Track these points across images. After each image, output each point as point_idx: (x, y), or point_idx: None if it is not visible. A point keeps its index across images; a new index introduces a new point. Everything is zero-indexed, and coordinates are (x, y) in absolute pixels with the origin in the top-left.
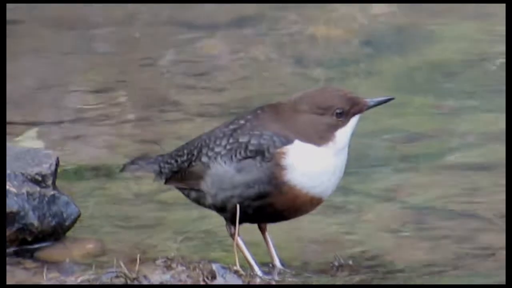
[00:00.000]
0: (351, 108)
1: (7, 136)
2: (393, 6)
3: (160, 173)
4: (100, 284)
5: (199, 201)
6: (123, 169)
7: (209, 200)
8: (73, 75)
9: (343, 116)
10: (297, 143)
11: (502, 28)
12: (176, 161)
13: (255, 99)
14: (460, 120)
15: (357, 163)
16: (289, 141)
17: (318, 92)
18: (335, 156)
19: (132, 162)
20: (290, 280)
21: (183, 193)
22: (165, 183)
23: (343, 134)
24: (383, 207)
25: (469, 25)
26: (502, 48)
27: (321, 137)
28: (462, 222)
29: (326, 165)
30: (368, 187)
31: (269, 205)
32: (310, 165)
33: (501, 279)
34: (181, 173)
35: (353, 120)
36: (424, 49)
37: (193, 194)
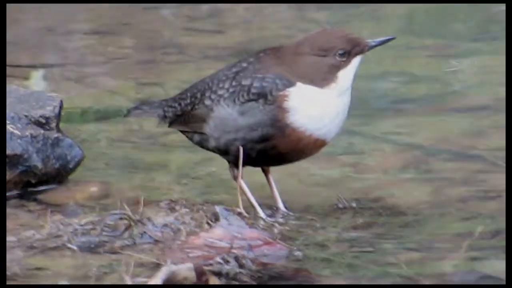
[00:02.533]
0: (352, 48)
1: (11, 78)
2: None
3: (164, 117)
4: (107, 284)
5: (202, 144)
6: (127, 114)
7: (212, 143)
8: (78, 18)
9: (345, 56)
10: (299, 85)
11: None
12: (180, 104)
13: (258, 42)
14: (464, 62)
15: (360, 105)
16: (291, 84)
17: (320, 34)
18: (338, 98)
19: (136, 107)
20: (293, 223)
21: (187, 136)
22: (169, 126)
23: (346, 75)
24: (386, 150)
25: None
26: None
27: (323, 78)
28: (465, 164)
29: (329, 107)
30: (371, 130)
31: (272, 147)
32: (313, 107)
33: (503, 220)
34: (185, 116)
35: (355, 61)
36: None
37: (197, 137)
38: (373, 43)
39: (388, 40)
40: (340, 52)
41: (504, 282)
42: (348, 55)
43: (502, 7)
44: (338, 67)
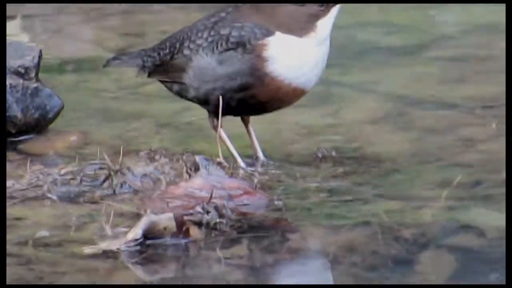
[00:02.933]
0: None
1: None
2: None
3: (143, 67)
4: (108, 284)
5: (181, 94)
6: (106, 64)
7: (191, 93)
8: None
9: (324, 5)
10: (278, 34)
11: None
12: (159, 54)
13: None
14: (442, 11)
15: (339, 54)
16: (270, 33)
17: None
18: (317, 47)
19: (115, 57)
20: (273, 172)
21: (166, 86)
22: (148, 76)
23: (325, 24)
24: (366, 99)
25: None
26: None
27: (302, 27)
28: (445, 114)
29: (308, 56)
30: (350, 79)
31: (252, 96)
32: (292, 56)
33: (483, 169)
34: (164, 66)
35: (334, 10)
36: None
37: (176, 87)
38: None
39: None
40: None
41: (483, 232)
42: (326, 4)
43: None
44: (317, 16)
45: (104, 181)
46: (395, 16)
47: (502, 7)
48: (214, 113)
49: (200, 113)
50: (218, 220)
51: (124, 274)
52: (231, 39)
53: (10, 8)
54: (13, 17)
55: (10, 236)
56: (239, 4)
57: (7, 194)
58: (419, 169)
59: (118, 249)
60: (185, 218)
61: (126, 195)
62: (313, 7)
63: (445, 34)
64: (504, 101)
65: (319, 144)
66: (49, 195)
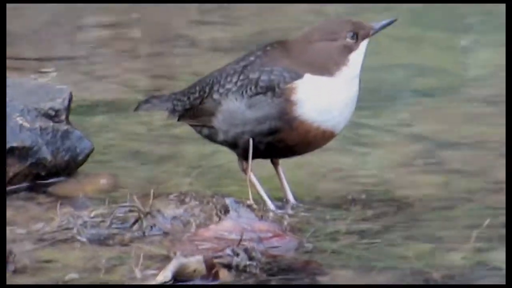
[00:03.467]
0: (359, 31)
1: (22, 72)
2: None
3: (173, 110)
4: (105, 284)
5: (211, 137)
6: (137, 108)
7: (221, 137)
8: (86, 10)
9: (355, 38)
10: (307, 77)
11: None
12: (189, 98)
13: (269, 34)
14: (474, 55)
15: (370, 97)
16: (299, 76)
17: (326, 22)
18: (347, 87)
19: (146, 101)
20: (303, 215)
21: (196, 130)
22: (178, 120)
23: (356, 58)
24: (396, 141)
25: None
26: None
27: (335, 63)
28: (474, 156)
29: (338, 97)
30: (381, 121)
31: (281, 140)
32: (321, 99)
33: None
34: (193, 110)
35: (363, 44)
36: None
37: (206, 130)
38: (377, 26)
39: (391, 22)
40: (350, 34)
41: None
42: (357, 37)
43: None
44: (349, 49)
45: (134, 223)
46: (425, 57)
47: None
48: (243, 156)
49: (230, 156)
50: (247, 262)
51: None
52: (261, 83)
53: (42, 51)
54: (44, 61)
55: (41, 279)
56: (268, 48)
57: (37, 237)
58: (448, 211)
59: None
60: (215, 260)
61: (156, 237)
62: (346, 40)
63: (475, 75)
64: None
65: (349, 187)
66: (79, 238)
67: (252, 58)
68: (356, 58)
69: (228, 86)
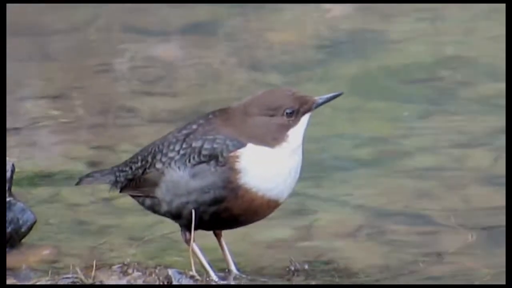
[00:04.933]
0: (300, 107)
1: None
2: (348, 7)
3: (115, 182)
4: (102, 284)
5: (154, 208)
6: (78, 182)
7: (164, 207)
8: (28, 81)
9: (294, 115)
10: (250, 146)
11: (455, 31)
12: (131, 168)
13: (211, 105)
14: (415, 124)
15: (312, 167)
16: (242, 144)
17: (266, 93)
18: (290, 157)
19: (88, 175)
20: (246, 285)
21: (138, 201)
22: (120, 191)
23: (295, 134)
24: (338, 212)
25: (424, 27)
26: (456, 52)
27: (273, 138)
28: (417, 226)
29: (281, 166)
30: (323, 192)
31: (225, 210)
32: (265, 167)
33: (455, 283)
34: (136, 180)
35: (304, 119)
36: (379, 53)
37: (148, 201)
38: (321, 100)
39: (335, 96)
40: (288, 111)
41: None
42: (296, 113)
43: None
44: (287, 126)
45: None
46: (368, 128)
47: (480, 116)
48: (186, 227)
49: (172, 226)
50: None
51: None
52: (204, 152)
53: None
54: None
55: None
56: (211, 116)
57: None
58: (391, 282)
59: None
60: None
61: None
62: (283, 118)
63: (419, 145)
64: (479, 214)
65: (292, 257)
66: None
67: (194, 127)
68: (295, 133)
69: (170, 154)
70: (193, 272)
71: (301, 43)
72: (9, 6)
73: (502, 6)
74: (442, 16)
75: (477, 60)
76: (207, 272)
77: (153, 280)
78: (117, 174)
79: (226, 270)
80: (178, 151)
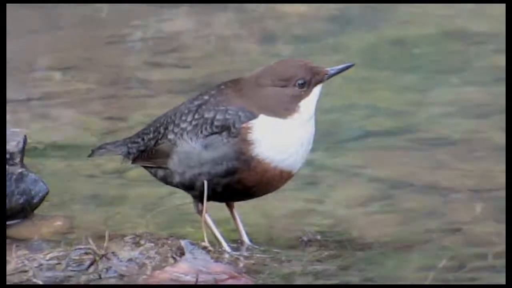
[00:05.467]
0: (312, 77)
1: None
2: None
3: (128, 153)
4: (101, 284)
5: (166, 179)
6: (91, 154)
7: (176, 179)
8: (39, 53)
9: (305, 86)
10: (262, 117)
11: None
12: (143, 139)
13: (222, 75)
14: (428, 94)
15: (325, 138)
16: (254, 116)
17: (278, 64)
18: (302, 128)
19: (100, 147)
20: (258, 256)
21: (150, 172)
22: (132, 162)
23: (307, 104)
24: (351, 182)
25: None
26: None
27: (285, 109)
28: (429, 197)
29: (293, 137)
30: (336, 162)
31: (238, 181)
32: (277, 138)
33: (468, 252)
34: (148, 151)
35: (316, 90)
36: (390, 25)
37: (161, 172)
38: (332, 71)
39: (347, 67)
40: (300, 82)
41: None
42: (308, 84)
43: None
44: (299, 97)
45: (89, 266)
46: (380, 99)
47: (490, 88)
48: (199, 198)
49: (185, 197)
50: None
51: None
52: (216, 123)
53: None
54: None
55: None
56: (222, 87)
57: None
58: (405, 252)
59: None
60: None
61: (112, 279)
62: (295, 89)
63: (431, 116)
64: (491, 185)
65: (305, 228)
66: (35, 280)
67: (206, 97)
68: (307, 104)
69: (183, 125)
70: (206, 243)
71: (312, 14)
72: None
73: None
74: None
75: (486, 33)
76: (220, 243)
77: (165, 251)
78: (129, 145)
79: (239, 241)
80: (190, 122)
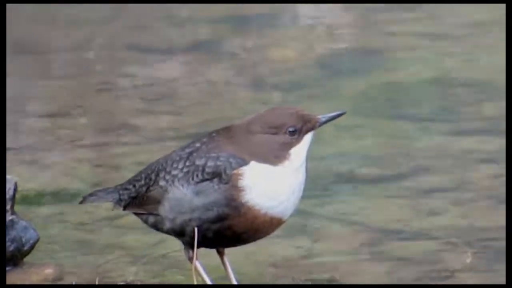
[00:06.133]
0: (303, 125)
1: None
2: (351, 27)
3: (119, 200)
4: (101, 284)
5: (157, 226)
6: (82, 201)
7: (167, 225)
8: (30, 99)
9: (296, 133)
10: (253, 163)
11: (457, 50)
12: (134, 186)
13: (213, 123)
14: (417, 143)
15: (315, 186)
16: (245, 162)
17: (269, 112)
18: (293, 175)
19: (91, 194)
20: None
21: (141, 219)
22: (124, 209)
23: (298, 152)
24: (341, 230)
25: (425, 45)
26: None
27: (276, 156)
28: (420, 244)
29: (284, 184)
30: (326, 210)
31: (229, 227)
32: (268, 185)
33: None
34: (139, 198)
35: (307, 138)
36: (381, 71)
37: (151, 219)
38: (324, 119)
39: (339, 115)
40: (291, 129)
41: None
42: (299, 132)
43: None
44: (290, 145)
45: None
46: (371, 146)
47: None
48: (190, 245)
49: (175, 245)
50: None
51: None
52: (207, 170)
53: None
54: None
55: None
56: (214, 134)
57: None
58: None
59: None
60: None
61: None
62: (286, 136)
63: (420, 164)
64: (482, 234)
65: (294, 276)
66: None
67: (198, 145)
68: (298, 151)
69: (174, 172)
70: None
71: (303, 60)
72: (11, 25)
73: None
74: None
75: (480, 80)
76: None
77: None
78: (121, 192)
79: None
80: (182, 169)
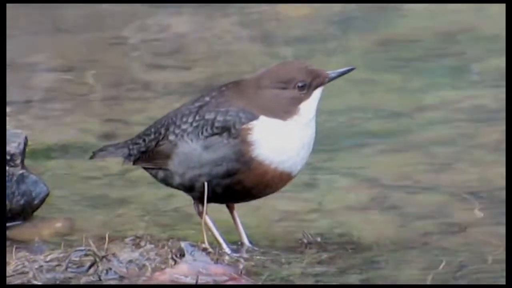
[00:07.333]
0: (312, 80)
1: None
2: None
3: (129, 155)
4: (102, 284)
5: (167, 181)
6: (92, 156)
7: (177, 180)
8: (41, 54)
9: (305, 88)
10: (262, 118)
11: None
12: (144, 140)
13: (223, 77)
14: (428, 97)
15: (325, 140)
16: (254, 117)
17: (279, 66)
18: (302, 130)
19: (101, 149)
20: (258, 258)
21: (151, 173)
22: (134, 163)
23: (307, 107)
24: (351, 184)
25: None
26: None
27: (285, 111)
28: (429, 198)
29: (293, 139)
30: (336, 165)
31: (238, 182)
32: (277, 139)
33: (467, 254)
34: (149, 152)
35: (316, 93)
36: (392, 26)
37: (161, 174)
38: (333, 74)
39: (348, 71)
40: (300, 84)
41: None
42: (308, 87)
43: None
44: (299, 100)
45: (89, 267)
46: (381, 101)
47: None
48: (199, 200)
49: (185, 199)
50: None
51: None
52: (216, 124)
53: None
54: None
55: None
56: (223, 88)
57: None
58: (404, 254)
59: None
60: None
61: (112, 281)
62: (295, 91)
63: (430, 118)
64: (488, 187)
65: (304, 230)
66: (35, 282)
67: (207, 99)
68: (308, 106)
69: (183, 126)
70: (206, 245)
71: (314, 16)
72: None
73: None
74: None
75: (488, 34)
76: (220, 245)
77: (165, 252)
78: (131, 147)
79: (239, 243)
80: (191, 123)
